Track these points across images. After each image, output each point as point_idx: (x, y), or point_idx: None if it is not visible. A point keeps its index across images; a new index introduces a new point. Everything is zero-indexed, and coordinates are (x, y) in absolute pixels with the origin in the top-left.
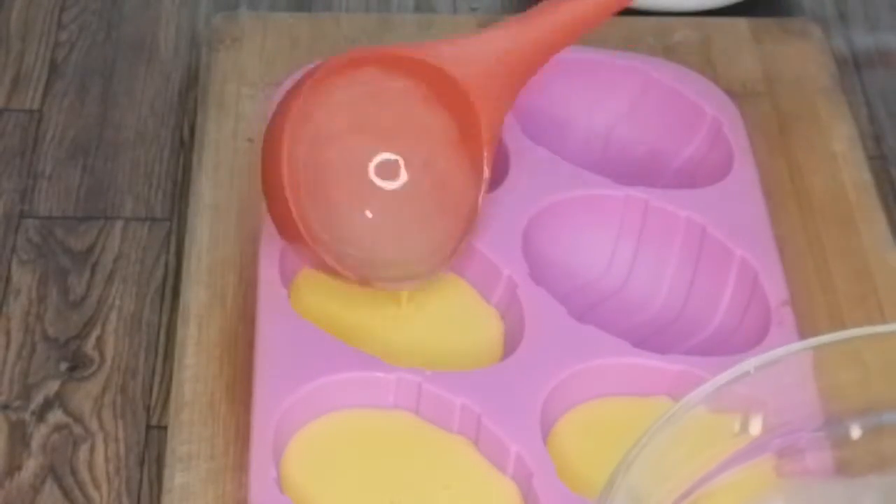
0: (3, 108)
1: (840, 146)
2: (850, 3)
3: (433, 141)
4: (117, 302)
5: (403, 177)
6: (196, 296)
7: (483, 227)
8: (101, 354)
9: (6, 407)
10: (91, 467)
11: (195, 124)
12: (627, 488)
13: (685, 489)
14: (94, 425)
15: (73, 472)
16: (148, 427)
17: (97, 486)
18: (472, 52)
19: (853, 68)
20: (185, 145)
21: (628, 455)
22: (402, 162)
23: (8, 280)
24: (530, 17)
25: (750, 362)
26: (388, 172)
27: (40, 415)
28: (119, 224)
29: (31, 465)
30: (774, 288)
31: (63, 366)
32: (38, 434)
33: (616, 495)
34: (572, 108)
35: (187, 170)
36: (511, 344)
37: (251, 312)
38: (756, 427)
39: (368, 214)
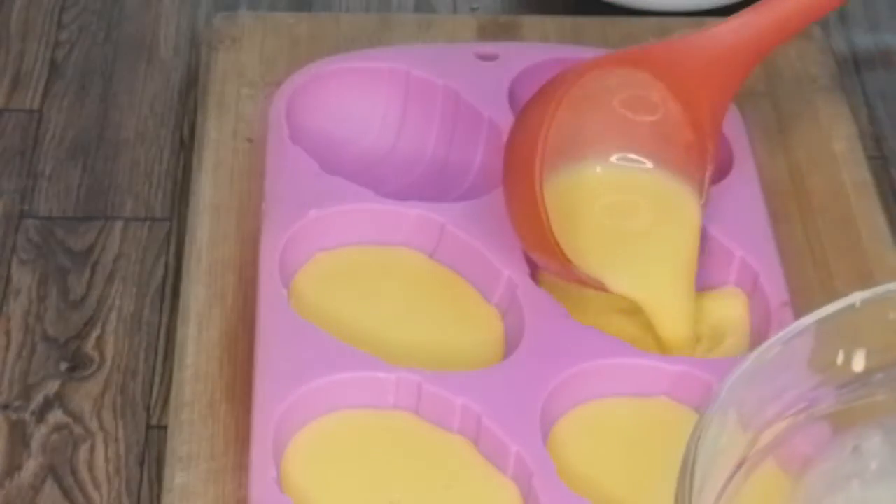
0: (3, 108)
1: (840, 146)
2: (850, 3)
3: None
4: (117, 302)
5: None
6: (196, 296)
7: (483, 227)
8: (101, 354)
9: (6, 407)
10: (91, 467)
11: (195, 124)
12: (735, 403)
13: (788, 413)
14: (94, 425)
15: (73, 472)
16: (148, 427)
17: (97, 486)
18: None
19: (853, 68)
20: (185, 145)
21: (734, 373)
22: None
23: (8, 280)
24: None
25: (856, 295)
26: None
27: (40, 415)
28: (119, 224)
29: (31, 465)
30: (774, 288)
31: (63, 366)
32: (38, 434)
33: (722, 410)
34: None
35: (187, 170)
36: (511, 344)
37: (251, 312)
38: (859, 362)
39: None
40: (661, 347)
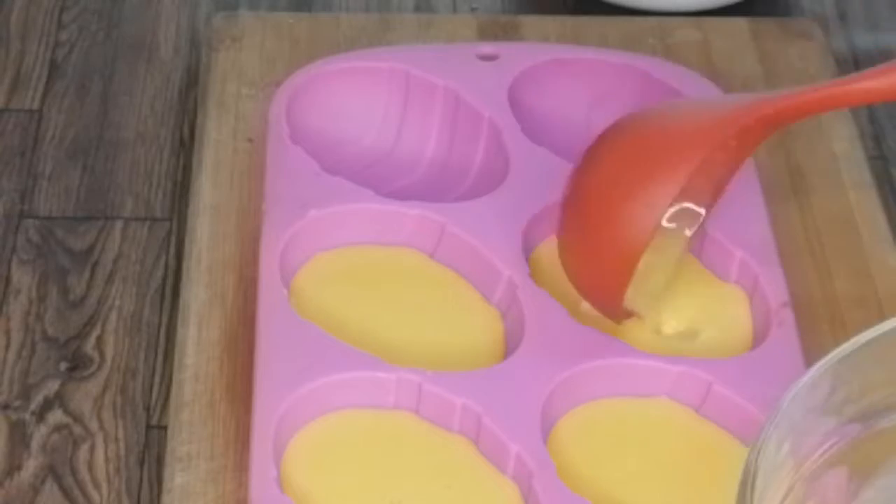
0: (3, 108)
1: (840, 146)
2: (850, 3)
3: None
4: (117, 302)
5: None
6: (196, 296)
7: (483, 228)
8: (101, 354)
9: (6, 407)
10: (91, 467)
11: (195, 124)
12: (793, 415)
13: (847, 426)
14: (94, 425)
15: (73, 472)
16: (148, 427)
17: (97, 486)
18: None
19: (853, 68)
20: (185, 145)
21: (797, 383)
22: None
23: (8, 280)
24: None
25: None
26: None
27: (40, 415)
28: (119, 224)
29: (31, 465)
30: (774, 289)
31: (63, 366)
32: (38, 434)
33: (780, 424)
34: (572, 108)
35: (187, 170)
36: (511, 344)
37: (251, 312)
38: None
39: None
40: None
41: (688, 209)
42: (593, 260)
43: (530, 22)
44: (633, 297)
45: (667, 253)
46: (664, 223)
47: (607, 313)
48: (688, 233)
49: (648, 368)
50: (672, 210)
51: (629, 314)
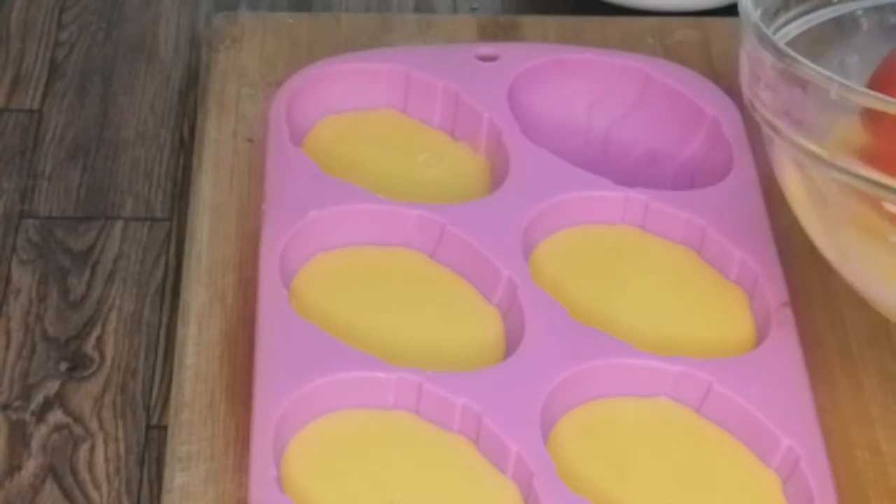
0: (3, 108)
1: None
2: None
3: None
4: (117, 302)
5: None
6: (196, 296)
7: (483, 227)
8: (101, 354)
9: (6, 407)
10: (91, 467)
11: (195, 124)
12: None
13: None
14: (94, 425)
15: (73, 472)
16: (148, 427)
17: (97, 486)
18: None
19: None
20: (185, 145)
21: None
22: None
23: (8, 280)
24: None
25: None
26: None
27: (40, 415)
28: (119, 224)
29: (31, 465)
30: (774, 289)
31: (63, 366)
32: (38, 434)
33: None
34: (572, 108)
35: (187, 170)
36: (511, 344)
37: (251, 312)
38: None
39: None
40: None
41: None
42: None
43: (530, 22)
44: None
45: None
46: None
47: None
48: None
49: (648, 368)
50: None
51: None
